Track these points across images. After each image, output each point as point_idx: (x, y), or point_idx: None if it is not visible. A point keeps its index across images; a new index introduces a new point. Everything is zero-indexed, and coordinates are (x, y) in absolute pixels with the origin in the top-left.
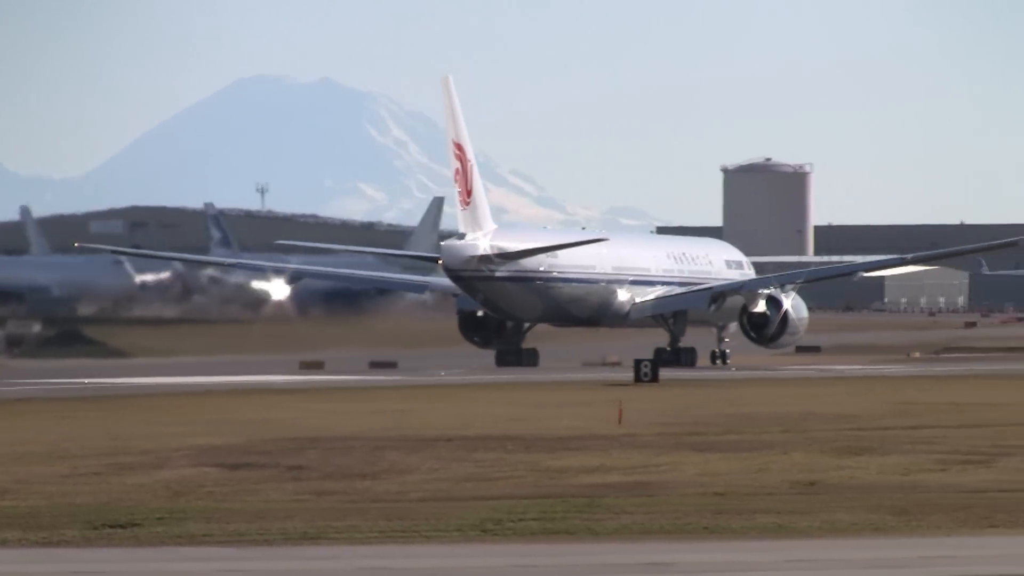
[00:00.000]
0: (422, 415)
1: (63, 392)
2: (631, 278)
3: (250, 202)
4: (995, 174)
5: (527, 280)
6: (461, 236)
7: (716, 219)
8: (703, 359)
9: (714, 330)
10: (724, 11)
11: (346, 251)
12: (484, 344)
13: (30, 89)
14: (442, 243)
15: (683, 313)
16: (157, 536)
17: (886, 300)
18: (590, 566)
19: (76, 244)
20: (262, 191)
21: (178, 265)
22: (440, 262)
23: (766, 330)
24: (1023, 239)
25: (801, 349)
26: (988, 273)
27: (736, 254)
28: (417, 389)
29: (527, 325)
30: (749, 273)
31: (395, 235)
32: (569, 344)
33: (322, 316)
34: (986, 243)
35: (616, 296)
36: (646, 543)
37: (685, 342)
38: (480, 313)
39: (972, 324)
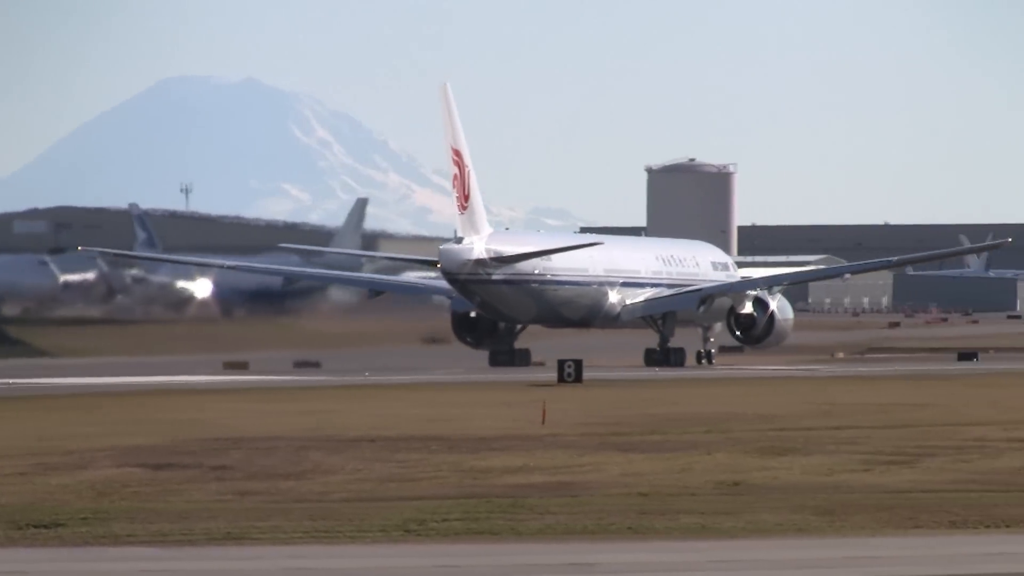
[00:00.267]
0: (346, 415)
1: None
2: (622, 280)
3: (175, 202)
4: (918, 174)
5: (522, 283)
6: (459, 240)
7: (640, 219)
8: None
9: (699, 330)
10: (647, 11)
11: (344, 254)
12: (476, 344)
13: None
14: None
15: (672, 314)
16: (81, 536)
17: (810, 300)
18: (514, 566)
19: (80, 248)
20: (186, 191)
21: (103, 265)
22: (439, 265)
23: (753, 331)
24: (1007, 240)
25: (725, 349)
26: (912, 273)
27: (721, 256)
28: (341, 389)
29: (519, 326)
30: (734, 274)
31: (319, 236)
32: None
33: (246, 316)
34: (979, 244)
35: (607, 298)
36: (570, 543)
37: (674, 342)
38: (473, 314)
39: (896, 324)
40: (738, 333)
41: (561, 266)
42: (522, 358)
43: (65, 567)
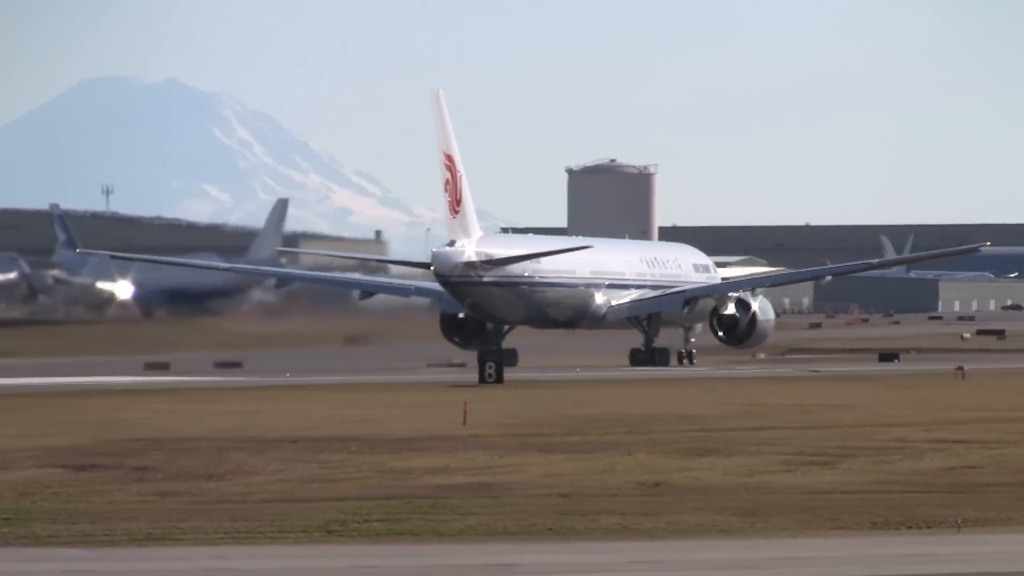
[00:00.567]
0: (267, 416)
1: None
2: (608, 282)
3: (95, 203)
4: (839, 175)
5: (512, 285)
6: (451, 243)
7: (561, 220)
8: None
9: (681, 331)
10: (567, 10)
11: (352, 258)
12: (464, 345)
13: None
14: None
15: (657, 315)
16: (3, 537)
17: None
18: (435, 567)
19: (79, 250)
20: (107, 192)
21: (24, 265)
22: (431, 268)
23: (736, 331)
24: (980, 245)
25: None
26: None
27: (702, 258)
28: (263, 390)
29: (507, 327)
30: (714, 275)
31: (241, 236)
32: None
33: (167, 317)
34: (953, 248)
35: (594, 299)
36: (491, 544)
37: (658, 342)
38: (461, 315)
39: (817, 325)
40: (721, 334)
41: (550, 269)
42: (509, 358)
43: None
